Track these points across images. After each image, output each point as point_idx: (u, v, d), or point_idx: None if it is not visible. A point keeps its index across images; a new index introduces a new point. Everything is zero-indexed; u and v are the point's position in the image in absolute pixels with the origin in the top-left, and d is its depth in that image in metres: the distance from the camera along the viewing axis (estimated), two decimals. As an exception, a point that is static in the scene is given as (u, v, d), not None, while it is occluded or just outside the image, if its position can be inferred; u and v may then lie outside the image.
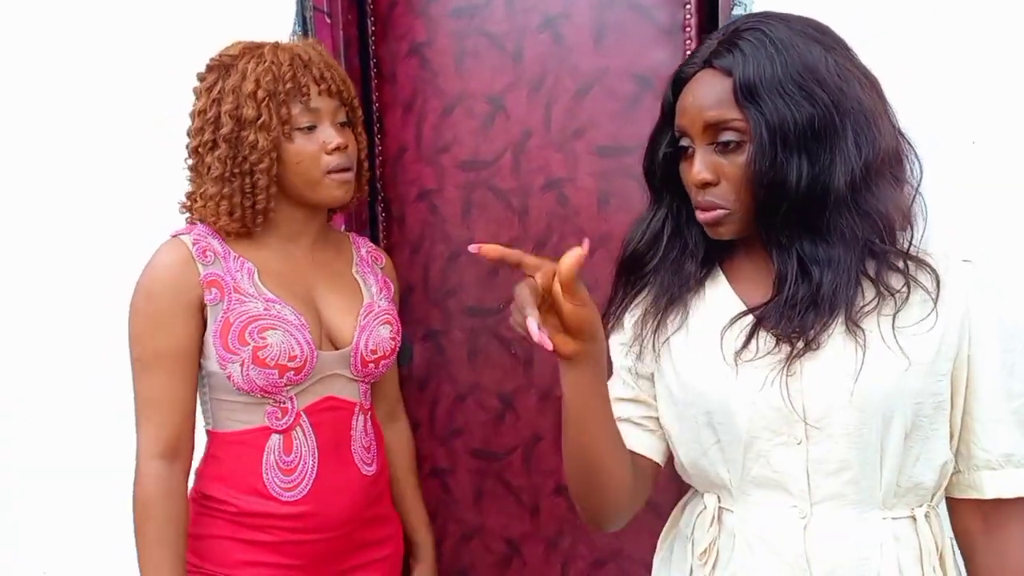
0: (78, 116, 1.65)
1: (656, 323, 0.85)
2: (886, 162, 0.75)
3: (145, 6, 1.56)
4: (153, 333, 1.03)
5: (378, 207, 1.55)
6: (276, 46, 1.06)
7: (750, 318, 0.79)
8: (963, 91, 1.11)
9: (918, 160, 0.80)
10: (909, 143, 0.80)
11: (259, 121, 1.02)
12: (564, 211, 1.39)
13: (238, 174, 1.04)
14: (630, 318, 0.90)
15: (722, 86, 0.76)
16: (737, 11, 1.19)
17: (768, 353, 0.77)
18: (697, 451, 0.83)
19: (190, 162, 1.09)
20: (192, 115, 1.08)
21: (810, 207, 0.74)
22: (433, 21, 1.47)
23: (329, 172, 1.06)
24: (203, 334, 1.05)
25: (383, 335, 1.15)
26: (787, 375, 0.76)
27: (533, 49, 1.39)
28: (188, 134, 1.07)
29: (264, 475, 1.07)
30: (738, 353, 0.78)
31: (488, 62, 1.42)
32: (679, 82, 0.82)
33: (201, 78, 1.08)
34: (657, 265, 0.86)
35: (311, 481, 1.08)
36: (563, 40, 1.36)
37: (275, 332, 1.04)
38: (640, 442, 0.87)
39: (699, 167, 0.78)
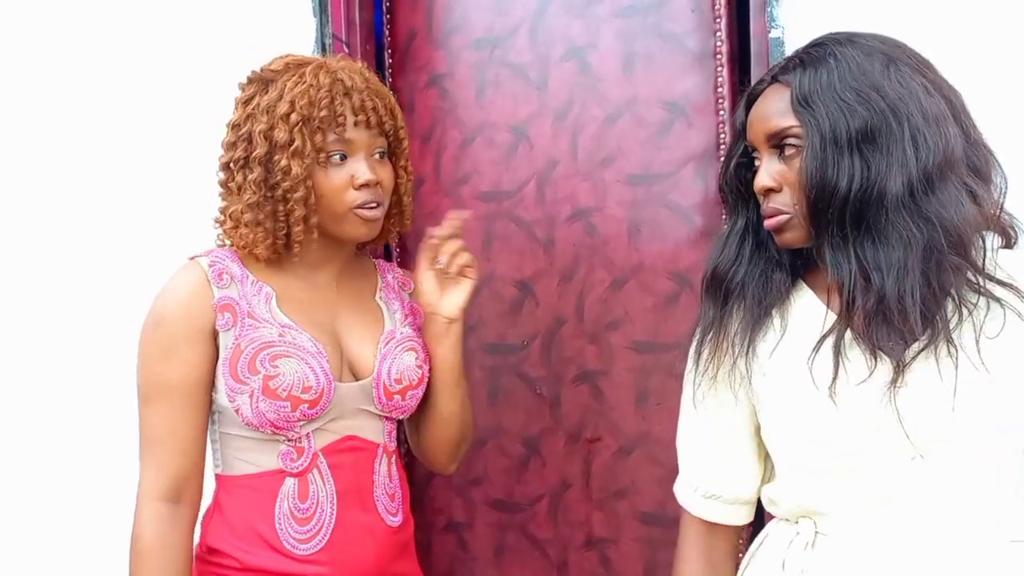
0: (82, 131, 1.59)
1: (747, 343, 0.83)
2: (951, 169, 0.74)
3: (161, 27, 1.53)
4: (160, 361, 0.95)
5: (392, 241, 1.48)
6: (320, 66, 1.00)
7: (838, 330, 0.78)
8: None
9: (1003, 173, 0.79)
10: (993, 157, 0.79)
11: (292, 147, 0.96)
12: (592, 241, 1.33)
13: (271, 199, 0.97)
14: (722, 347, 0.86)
15: (783, 97, 0.80)
16: (774, 34, 1.16)
17: (869, 375, 0.74)
18: (801, 474, 0.79)
19: (221, 176, 1.03)
20: (228, 126, 1.02)
21: (866, 209, 0.74)
22: (453, 52, 1.44)
23: (354, 208, 0.99)
24: (215, 364, 0.97)
25: (407, 362, 1.05)
26: (895, 391, 0.73)
27: (558, 78, 1.36)
28: (222, 145, 1.02)
29: (277, 524, 0.96)
30: (835, 379, 0.76)
31: (511, 92, 1.39)
32: (751, 98, 0.85)
33: (241, 88, 1.03)
34: (744, 279, 0.85)
35: (329, 531, 0.97)
36: (590, 69, 1.33)
37: (289, 360, 0.95)
38: (740, 515, 0.92)
39: (762, 175, 0.81)
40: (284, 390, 0.94)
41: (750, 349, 0.82)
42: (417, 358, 1.07)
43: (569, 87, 1.35)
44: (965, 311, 0.73)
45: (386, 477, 1.04)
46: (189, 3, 1.51)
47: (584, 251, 1.33)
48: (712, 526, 0.90)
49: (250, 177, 0.97)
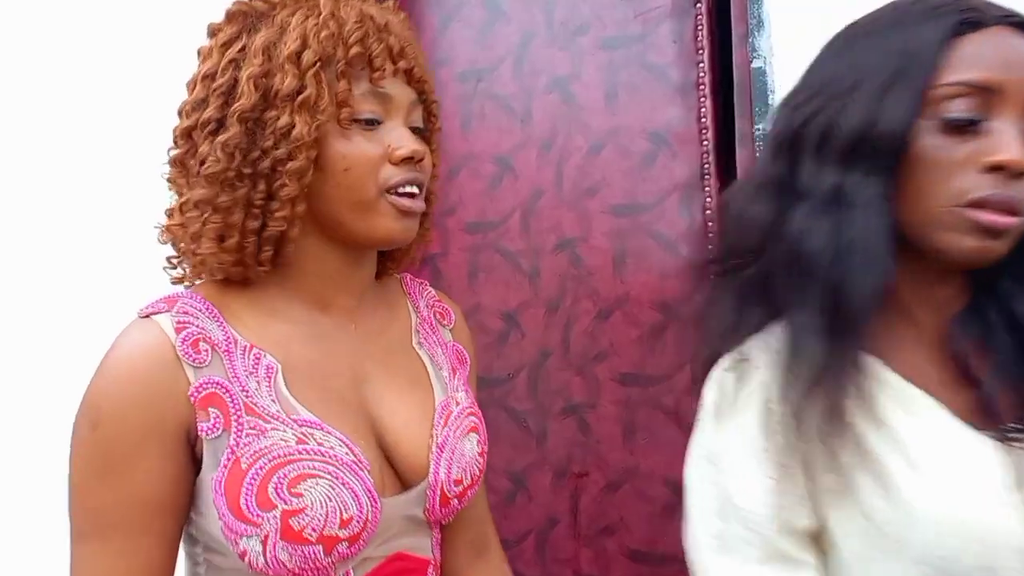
0: (101, 142, 1.58)
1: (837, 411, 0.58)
2: None
3: (147, 36, 1.53)
4: (99, 481, 0.61)
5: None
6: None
7: (956, 426, 0.58)
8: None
9: None
10: None
11: (301, 97, 0.64)
12: (578, 272, 1.32)
13: (248, 176, 0.64)
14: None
15: None
16: (756, 64, 1.17)
17: (1007, 475, 0.56)
18: None
19: (174, 153, 0.68)
20: (190, 84, 0.69)
21: None
22: (439, 85, 1.43)
23: (390, 190, 0.67)
24: (188, 484, 0.64)
25: (469, 453, 0.74)
26: None
27: (542, 109, 1.36)
28: (179, 113, 0.69)
29: None
30: (959, 481, 0.56)
31: (495, 123, 1.39)
32: (962, 27, 0.58)
33: (214, 31, 0.69)
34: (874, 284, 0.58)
35: None
36: (573, 100, 1.34)
37: (318, 483, 0.62)
38: None
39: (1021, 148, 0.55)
40: (314, 529, 0.61)
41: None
42: (479, 440, 0.76)
43: (553, 118, 1.35)
44: None
45: None
46: (155, 13, 1.51)
47: (570, 282, 1.32)
48: None
49: (222, 138, 0.64)
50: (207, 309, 0.66)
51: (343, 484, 0.63)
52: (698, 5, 1.25)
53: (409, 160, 0.67)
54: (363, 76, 0.67)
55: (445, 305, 0.83)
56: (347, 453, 0.64)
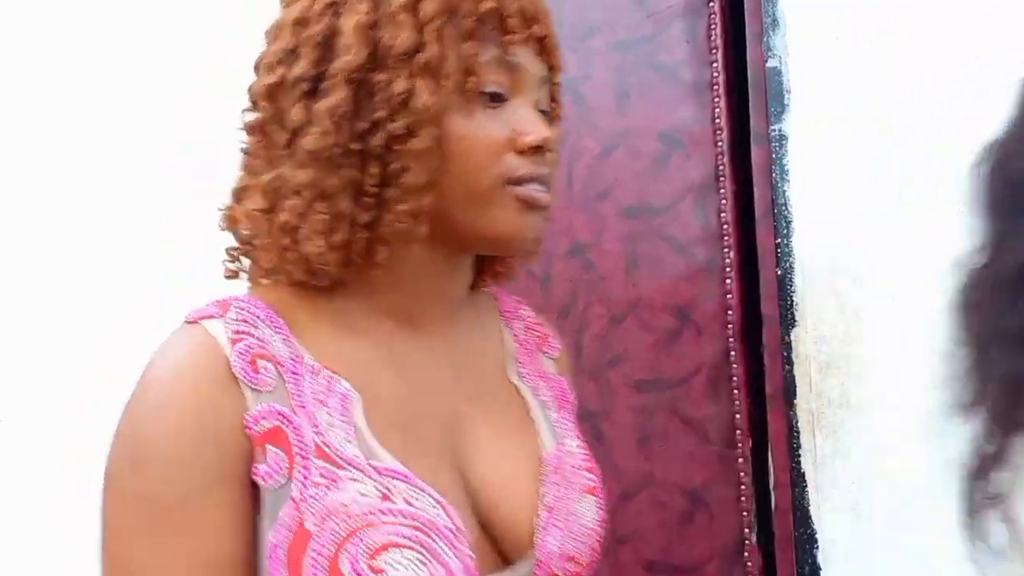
0: (103, 142, 1.59)
1: None
2: None
3: (176, 33, 1.54)
4: (149, 538, 0.48)
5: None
6: None
7: None
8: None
9: None
10: None
11: (422, 57, 0.51)
12: (590, 276, 1.29)
13: (356, 154, 0.51)
14: None
15: None
16: (772, 63, 1.14)
17: None
18: None
19: (252, 118, 0.55)
20: (271, 32, 0.55)
21: None
22: (448, 88, 1.43)
23: (511, 182, 0.55)
24: (249, 534, 0.50)
25: (587, 520, 0.60)
26: None
27: (553, 112, 1.34)
28: (257, 67, 0.55)
29: None
30: None
31: (505, 126, 1.38)
32: None
33: None
34: None
35: None
36: (583, 100, 1.32)
37: (404, 555, 0.48)
38: None
39: None
40: None
41: None
42: (596, 504, 0.61)
43: (563, 120, 1.33)
44: None
45: None
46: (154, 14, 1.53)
47: (582, 287, 1.30)
48: None
49: (323, 104, 0.51)
50: (269, 318, 0.52)
51: (436, 559, 0.48)
52: (711, 4, 1.23)
53: (538, 150, 0.55)
54: (492, 39, 0.54)
55: (547, 331, 0.69)
56: (441, 516, 0.50)
